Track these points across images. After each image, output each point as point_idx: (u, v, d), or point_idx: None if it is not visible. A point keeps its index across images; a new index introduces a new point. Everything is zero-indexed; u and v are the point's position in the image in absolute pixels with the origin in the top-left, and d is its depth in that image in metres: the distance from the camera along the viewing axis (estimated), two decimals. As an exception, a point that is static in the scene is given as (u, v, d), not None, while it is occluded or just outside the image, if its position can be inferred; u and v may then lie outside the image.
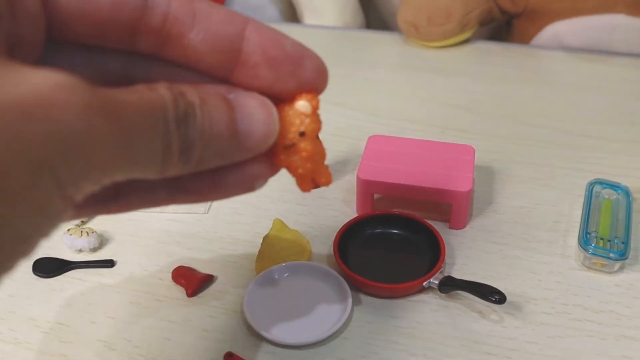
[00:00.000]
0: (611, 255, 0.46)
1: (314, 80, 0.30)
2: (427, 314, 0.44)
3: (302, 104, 0.30)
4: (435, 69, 0.77)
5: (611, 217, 0.50)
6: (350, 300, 0.44)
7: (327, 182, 0.32)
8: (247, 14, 0.90)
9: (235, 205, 0.54)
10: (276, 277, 0.46)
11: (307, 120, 0.30)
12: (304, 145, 0.30)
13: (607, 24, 0.77)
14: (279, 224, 0.49)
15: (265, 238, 0.48)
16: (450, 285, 0.44)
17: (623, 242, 0.47)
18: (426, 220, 0.50)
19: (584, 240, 0.47)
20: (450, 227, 0.51)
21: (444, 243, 0.47)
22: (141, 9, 0.26)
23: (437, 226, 0.50)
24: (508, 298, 0.43)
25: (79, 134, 0.20)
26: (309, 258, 0.49)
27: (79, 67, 0.27)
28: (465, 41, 0.82)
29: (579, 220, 0.51)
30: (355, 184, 0.53)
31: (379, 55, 0.82)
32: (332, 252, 0.47)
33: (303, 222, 0.52)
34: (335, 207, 0.54)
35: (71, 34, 0.26)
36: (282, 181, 0.57)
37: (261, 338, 0.42)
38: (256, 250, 0.49)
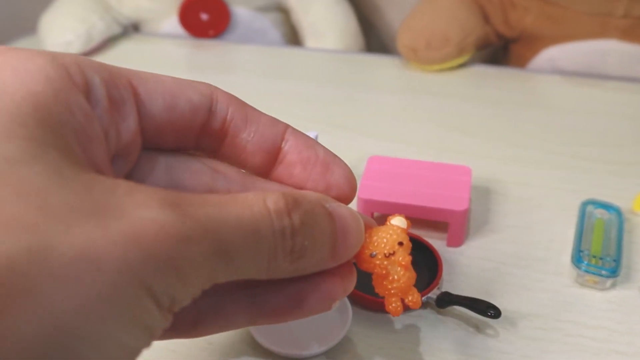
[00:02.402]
0: (603, 272, 0.48)
1: (342, 185, 0.32)
2: (424, 329, 0.46)
3: (398, 219, 0.33)
4: (433, 92, 0.79)
5: (603, 236, 0.51)
6: (349, 314, 0.45)
7: (416, 305, 0.33)
8: (251, 37, 0.92)
9: (239, 223, 0.56)
10: (279, 292, 0.48)
11: (403, 235, 0.33)
12: (403, 255, 0.32)
13: (600, 49, 0.79)
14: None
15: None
16: (447, 301, 0.46)
17: (614, 260, 0.49)
18: (424, 238, 0.51)
19: (577, 258, 0.49)
20: (448, 245, 0.53)
21: (441, 260, 0.49)
22: (208, 113, 0.30)
23: (435, 244, 0.51)
24: (503, 314, 0.45)
25: (173, 260, 0.23)
26: (310, 274, 0.50)
27: (161, 173, 0.31)
28: (463, 65, 0.84)
29: (571, 239, 0.52)
30: (355, 203, 0.54)
31: (378, 78, 0.84)
32: (333, 269, 0.49)
33: (305, 240, 0.54)
34: (336, 225, 0.56)
35: (159, 141, 0.30)
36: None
37: (264, 350, 0.44)
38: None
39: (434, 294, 0.46)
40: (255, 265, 0.26)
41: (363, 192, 0.53)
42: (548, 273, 0.50)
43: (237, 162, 0.32)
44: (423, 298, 0.46)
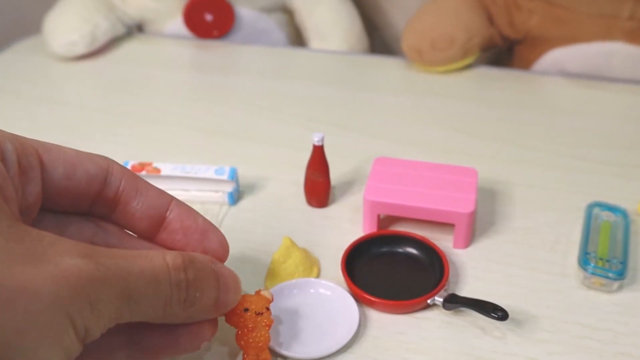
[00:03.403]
0: (610, 275, 0.48)
1: (217, 249, 0.39)
2: (431, 330, 0.46)
3: (266, 292, 0.42)
4: (438, 93, 0.79)
5: (610, 238, 0.51)
6: (358, 316, 0.45)
7: None
8: (255, 37, 0.93)
9: (244, 224, 0.56)
10: (285, 293, 0.48)
11: (269, 303, 0.41)
12: (267, 318, 0.40)
13: (605, 51, 0.79)
14: (288, 242, 0.51)
15: (275, 256, 0.50)
16: (454, 303, 0.46)
17: (621, 262, 0.49)
18: (430, 240, 0.51)
19: (584, 260, 0.49)
20: (454, 247, 0.53)
21: (447, 262, 0.49)
22: (103, 184, 0.36)
23: (441, 246, 0.51)
24: (510, 315, 0.45)
25: (90, 297, 0.29)
26: (317, 275, 0.50)
27: (53, 228, 0.36)
28: (468, 66, 0.84)
29: (577, 241, 0.53)
30: (361, 204, 0.54)
31: (383, 79, 0.84)
32: (340, 270, 0.49)
33: (311, 241, 0.54)
34: (342, 226, 0.56)
35: (57, 204, 0.35)
36: (290, 201, 0.59)
37: (271, 352, 0.44)
38: (266, 267, 0.50)
39: (440, 295, 0.46)
40: (154, 309, 0.32)
41: (369, 193, 0.53)
42: (554, 275, 0.50)
43: (127, 226, 0.38)
44: (429, 300, 0.46)
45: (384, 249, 0.52)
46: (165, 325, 0.36)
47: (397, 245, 0.52)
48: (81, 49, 0.87)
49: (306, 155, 0.57)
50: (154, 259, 0.32)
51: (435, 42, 0.80)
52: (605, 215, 0.54)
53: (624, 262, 0.49)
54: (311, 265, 0.50)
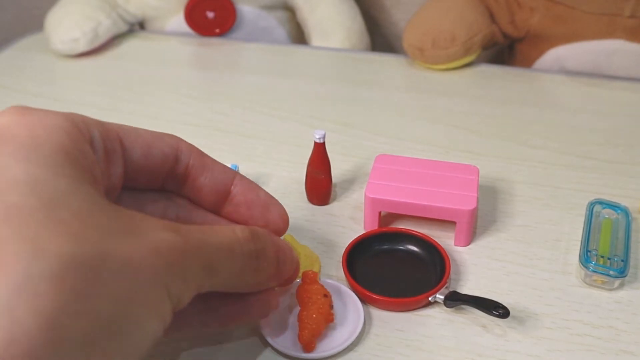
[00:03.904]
0: (611, 272, 0.48)
1: (278, 222, 0.41)
2: (432, 328, 0.46)
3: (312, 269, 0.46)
4: (439, 91, 0.79)
5: (611, 236, 0.51)
6: (362, 314, 0.45)
7: (309, 349, 0.43)
8: (256, 35, 0.93)
9: (246, 221, 0.56)
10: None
11: (327, 291, 0.45)
12: (326, 304, 0.44)
13: (606, 49, 0.79)
14: (290, 239, 0.51)
15: (276, 253, 0.50)
16: (455, 300, 0.46)
17: (622, 260, 0.49)
18: (432, 238, 0.51)
19: (585, 257, 0.49)
20: (455, 244, 0.53)
21: (449, 259, 0.49)
22: (175, 161, 0.38)
23: (443, 243, 0.52)
24: (511, 313, 0.45)
25: (181, 268, 0.31)
26: (318, 272, 0.50)
27: (132, 204, 0.39)
28: (469, 64, 0.84)
29: (579, 238, 0.53)
30: (362, 201, 0.54)
31: (384, 76, 0.84)
32: (341, 267, 0.49)
33: (313, 238, 0.54)
34: (343, 223, 0.56)
35: (134, 182, 0.38)
36: (291, 198, 0.59)
37: (275, 351, 0.44)
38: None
39: (441, 293, 0.46)
40: (229, 278, 0.35)
41: (370, 190, 0.53)
42: (555, 272, 0.51)
43: (195, 200, 0.41)
44: (430, 298, 0.46)
45: (385, 247, 0.52)
46: (237, 295, 0.39)
47: (399, 243, 0.52)
48: (83, 46, 0.87)
49: (307, 152, 0.57)
50: (226, 232, 0.35)
51: (436, 40, 0.80)
52: (607, 213, 0.54)
53: (625, 260, 0.49)
54: (312, 263, 0.50)
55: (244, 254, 0.36)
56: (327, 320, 0.44)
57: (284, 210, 0.42)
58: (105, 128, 0.35)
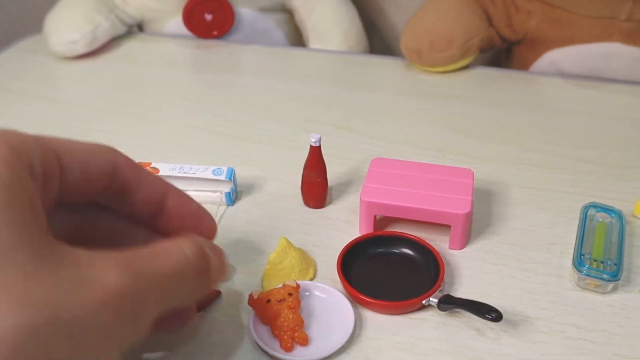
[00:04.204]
0: (604, 276, 0.48)
1: (208, 232, 0.42)
2: (426, 331, 0.46)
3: (291, 281, 0.47)
4: (436, 93, 0.79)
5: (605, 239, 0.52)
6: (353, 317, 0.45)
7: (304, 342, 0.44)
8: (255, 37, 0.93)
9: (242, 224, 0.56)
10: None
11: (293, 290, 0.46)
12: (290, 300, 0.45)
13: (603, 52, 0.79)
14: (285, 242, 0.51)
15: (271, 256, 0.50)
16: (449, 304, 0.46)
17: (615, 264, 0.49)
18: (426, 241, 0.51)
19: (579, 261, 0.49)
20: (450, 247, 0.53)
21: (443, 263, 0.49)
22: (111, 178, 0.37)
23: (437, 246, 0.52)
24: (505, 317, 0.45)
25: (131, 315, 0.31)
26: (313, 276, 0.51)
27: (65, 222, 0.39)
28: (466, 67, 0.85)
29: (573, 242, 0.53)
30: (358, 205, 0.55)
31: (382, 79, 0.84)
32: (336, 270, 0.49)
33: (308, 241, 0.54)
34: (338, 227, 0.56)
35: (70, 198, 0.36)
36: (287, 201, 0.59)
37: (268, 354, 0.44)
38: (263, 267, 0.51)
39: (435, 296, 0.47)
40: (182, 298, 0.36)
41: (366, 194, 0.53)
42: (550, 276, 0.51)
43: (128, 213, 0.40)
44: (424, 301, 0.47)
45: (380, 250, 0.52)
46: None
47: (393, 246, 0.52)
48: (82, 48, 0.88)
49: (304, 155, 0.57)
50: (175, 253, 0.35)
51: (433, 42, 0.80)
52: (601, 216, 0.54)
53: (618, 264, 0.49)
54: (307, 266, 0.51)
55: (196, 274, 0.36)
56: (292, 308, 0.45)
57: (214, 221, 0.43)
58: (44, 148, 0.34)
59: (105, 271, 0.31)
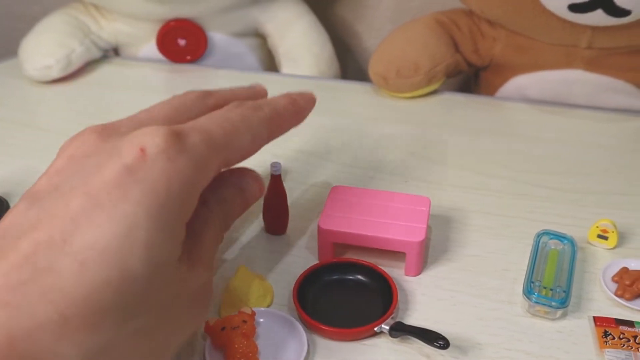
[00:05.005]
0: (553, 303, 0.49)
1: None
2: (378, 358, 0.47)
3: (246, 308, 0.48)
4: (403, 119, 0.81)
5: (556, 266, 0.53)
6: (306, 344, 0.46)
7: None
8: (228, 61, 0.94)
9: (204, 250, 0.57)
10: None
11: (248, 317, 0.47)
12: (244, 328, 0.46)
13: (566, 78, 0.81)
14: (244, 269, 0.52)
15: (229, 284, 0.51)
16: (399, 330, 0.47)
17: (564, 291, 0.50)
18: (381, 268, 0.53)
19: (528, 289, 0.50)
20: (406, 274, 0.54)
21: (396, 290, 0.50)
22: None
23: (394, 273, 0.53)
24: (455, 343, 0.46)
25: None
26: (271, 302, 0.52)
27: None
28: (434, 92, 0.86)
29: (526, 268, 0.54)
30: (316, 232, 0.56)
31: (350, 104, 0.85)
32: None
33: (268, 268, 0.55)
34: (299, 253, 0.57)
35: None
36: (249, 227, 0.60)
37: (220, 380, 0.45)
38: (221, 294, 0.52)
39: (387, 323, 0.48)
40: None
41: (324, 222, 0.54)
42: (502, 302, 0.52)
43: None
44: (376, 328, 0.48)
45: (336, 277, 0.53)
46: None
47: (349, 273, 0.53)
48: (56, 72, 0.89)
49: (266, 181, 0.58)
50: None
51: (400, 69, 0.82)
52: (553, 243, 0.55)
53: (567, 291, 0.50)
54: (265, 293, 0.52)
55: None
56: (246, 335, 0.46)
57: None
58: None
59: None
